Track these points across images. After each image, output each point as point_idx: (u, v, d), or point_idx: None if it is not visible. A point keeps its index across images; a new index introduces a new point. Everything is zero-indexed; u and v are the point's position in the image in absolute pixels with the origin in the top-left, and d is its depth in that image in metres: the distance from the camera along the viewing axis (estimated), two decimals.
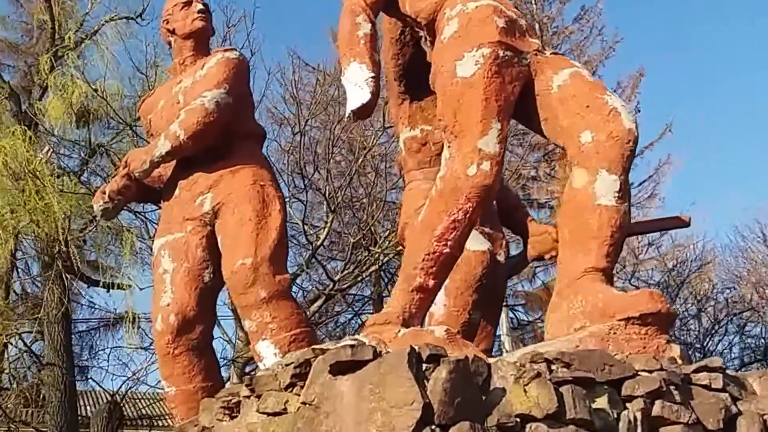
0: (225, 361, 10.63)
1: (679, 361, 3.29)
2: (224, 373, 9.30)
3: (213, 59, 5.07)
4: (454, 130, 3.85)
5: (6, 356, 11.58)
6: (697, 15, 40.20)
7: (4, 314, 10.63)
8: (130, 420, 11.84)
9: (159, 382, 12.83)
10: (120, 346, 11.78)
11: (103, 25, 11.73)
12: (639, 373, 3.03)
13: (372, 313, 12.48)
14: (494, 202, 4.80)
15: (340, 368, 2.73)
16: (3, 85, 11.96)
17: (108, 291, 10.97)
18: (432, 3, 4.27)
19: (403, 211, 5.23)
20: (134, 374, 10.68)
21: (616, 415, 2.86)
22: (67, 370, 10.19)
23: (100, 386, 11.69)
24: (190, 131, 4.72)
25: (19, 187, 9.28)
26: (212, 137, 4.83)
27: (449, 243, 3.76)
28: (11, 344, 11.64)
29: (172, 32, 5.31)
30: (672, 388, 2.99)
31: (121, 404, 10.28)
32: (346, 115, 4.13)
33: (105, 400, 10.73)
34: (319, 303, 10.01)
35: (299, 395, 2.98)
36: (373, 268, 10.42)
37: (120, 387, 10.96)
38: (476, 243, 4.74)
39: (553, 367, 2.85)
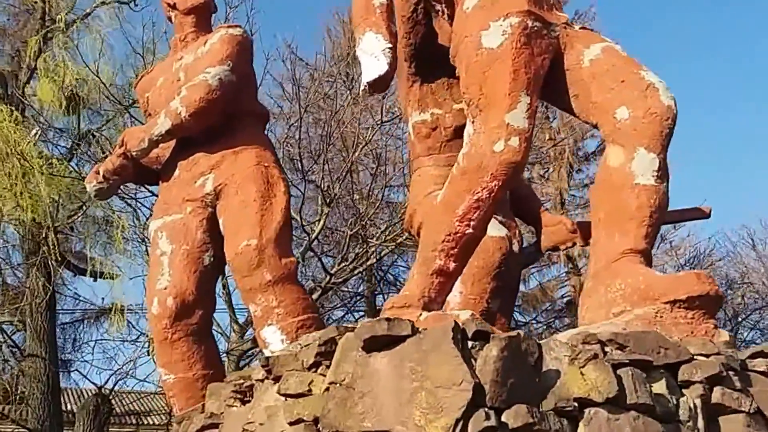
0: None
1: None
2: None
3: (216, 35, 4.84)
4: (480, 103, 3.60)
5: None
6: (695, 15, 40.39)
7: None
8: (115, 416, 11.44)
9: (148, 376, 12.56)
10: (105, 339, 11.45)
11: (96, 7, 11.41)
12: (695, 357, 2.79)
13: (364, 311, 12.24)
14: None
15: (374, 344, 2.47)
16: None
17: (95, 280, 10.60)
18: None
19: (410, 197, 4.99)
20: (121, 367, 10.32)
21: (675, 402, 2.61)
22: (50, 361, 9.81)
23: (88, 379, 11.35)
24: (192, 108, 4.48)
25: (4, 170, 8.92)
26: (215, 115, 4.59)
27: (472, 223, 3.51)
28: None
29: (173, 6, 5.08)
30: (731, 373, 2.75)
31: (110, 397, 9.91)
32: (362, 87, 3.88)
33: (89, 397, 10.35)
34: (314, 296, 9.80)
35: (324, 375, 2.72)
36: (369, 262, 10.18)
37: (107, 381, 10.62)
38: (494, 229, 4.50)
39: (607, 348, 2.61)
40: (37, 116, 10.51)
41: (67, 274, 11.16)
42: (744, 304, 17.58)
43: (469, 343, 2.43)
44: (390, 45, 3.83)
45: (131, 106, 10.03)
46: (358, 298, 12.61)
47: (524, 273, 14.00)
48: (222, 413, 3.41)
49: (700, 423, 2.63)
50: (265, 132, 5.19)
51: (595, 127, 3.86)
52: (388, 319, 2.46)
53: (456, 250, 3.51)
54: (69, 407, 11.77)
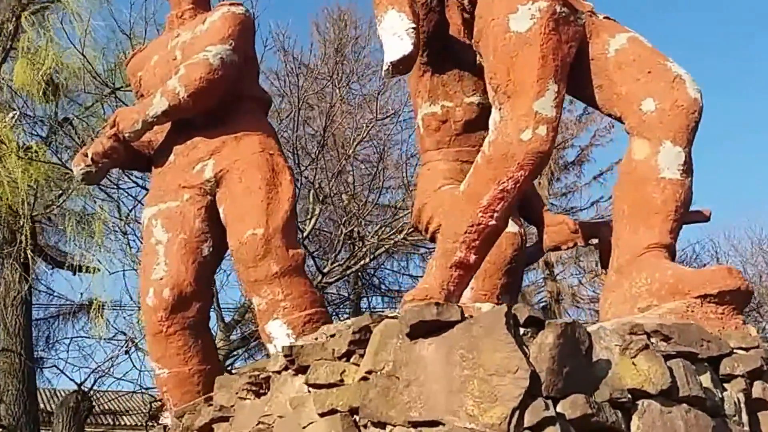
0: None
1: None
2: None
3: (217, 13, 4.61)
4: (507, 90, 3.50)
5: None
6: (691, 16, 40.88)
7: None
8: (91, 416, 11.00)
9: (126, 374, 12.03)
10: (82, 336, 11.01)
11: None
12: (734, 351, 2.73)
13: (349, 314, 12.08)
14: None
15: (421, 330, 2.34)
16: None
17: (74, 274, 10.20)
18: None
19: (419, 192, 4.86)
20: (100, 366, 9.92)
21: (720, 395, 2.54)
22: (26, 356, 9.43)
23: (67, 376, 10.87)
24: (192, 88, 4.24)
25: None
26: (215, 97, 4.36)
27: (496, 215, 3.41)
28: None
29: None
30: None
31: (90, 395, 9.53)
32: (384, 68, 3.73)
33: (68, 394, 9.94)
34: None
35: (358, 365, 2.59)
36: (363, 261, 10.01)
37: (85, 379, 10.22)
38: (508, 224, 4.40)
39: (653, 340, 2.53)
40: (11, 101, 10.05)
41: (43, 267, 10.74)
42: None
43: (521, 330, 2.33)
44: (413, 25, 3.67)
45: (118, 90, 9.61)
46: (343, 301, 12.42)
47: None
48: (233, 406, 3.24)
49: (744, 418, 2.57)
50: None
51: (618, 119, 3.79)
52: (437, 304, 2.35)
53: (478, 242, 3.41)
54: (42, 406, 11.30)
